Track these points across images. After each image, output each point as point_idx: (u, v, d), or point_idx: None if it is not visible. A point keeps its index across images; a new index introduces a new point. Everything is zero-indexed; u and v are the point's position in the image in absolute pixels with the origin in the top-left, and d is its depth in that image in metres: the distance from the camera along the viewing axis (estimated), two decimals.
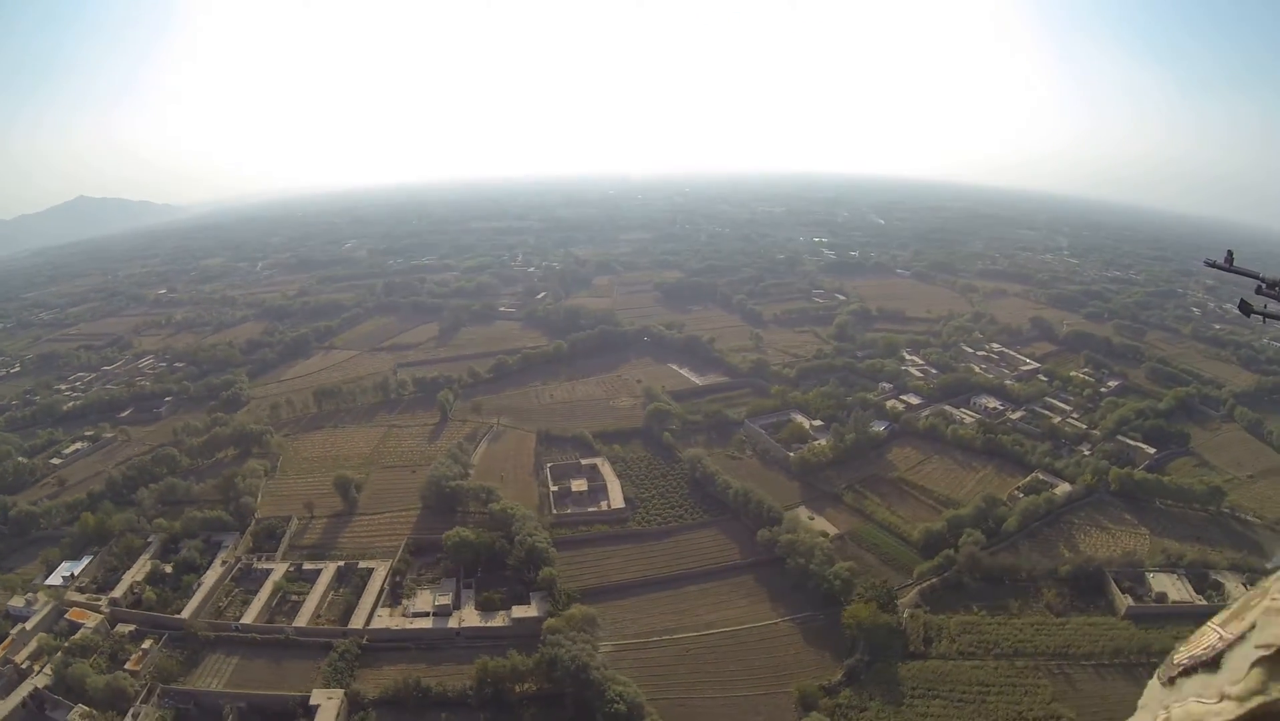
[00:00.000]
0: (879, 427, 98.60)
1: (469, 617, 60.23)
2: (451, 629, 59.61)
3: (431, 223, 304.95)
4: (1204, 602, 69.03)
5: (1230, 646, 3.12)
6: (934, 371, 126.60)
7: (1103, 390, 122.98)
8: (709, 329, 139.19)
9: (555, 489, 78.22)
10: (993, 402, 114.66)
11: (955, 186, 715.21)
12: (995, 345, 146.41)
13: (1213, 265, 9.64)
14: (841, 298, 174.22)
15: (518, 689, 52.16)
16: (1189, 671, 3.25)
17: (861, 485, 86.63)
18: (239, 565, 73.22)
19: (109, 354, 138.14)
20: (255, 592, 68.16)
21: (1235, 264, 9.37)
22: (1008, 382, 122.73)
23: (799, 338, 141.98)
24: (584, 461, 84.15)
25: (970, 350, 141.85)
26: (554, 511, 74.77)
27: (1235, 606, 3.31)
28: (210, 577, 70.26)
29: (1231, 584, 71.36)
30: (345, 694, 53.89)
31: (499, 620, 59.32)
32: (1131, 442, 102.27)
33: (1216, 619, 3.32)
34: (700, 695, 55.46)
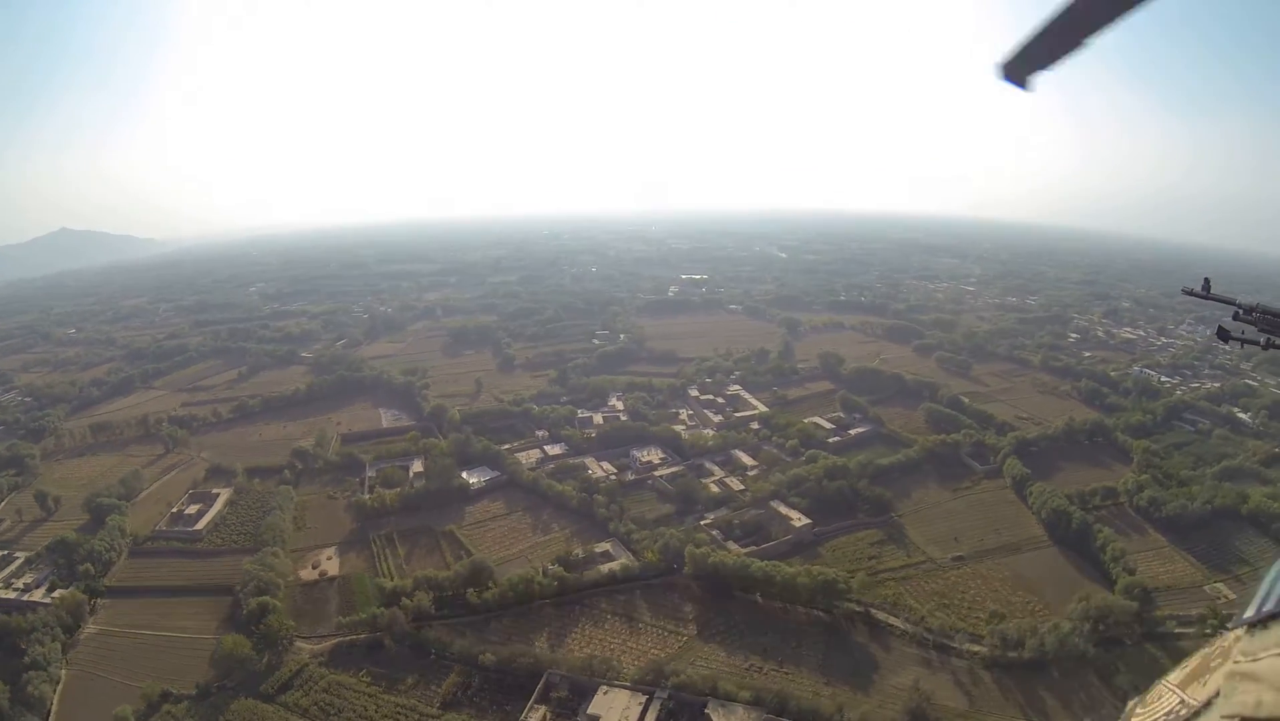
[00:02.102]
0: (478, 478, 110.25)
1: (35, 595, 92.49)
2: (26, 601, 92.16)
3: (345, 266, 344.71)
4: None
5: (1195, 714, 2.92)
6: (622, 418, 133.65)
7: (832, 440, 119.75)
8: (452, 374, 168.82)
9: (174, 511, 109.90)
10: (650, 455, 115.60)
11: (931, 219, 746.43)
12: (735, 387, 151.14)
13: (1190, 293, 9.65)
14: (624, 338, 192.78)
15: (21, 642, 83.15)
16: None
17: (403, 534, 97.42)
18: None
19: None
20: None
21: (1212, 291, 9.39)
22: (703, 431, 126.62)
23: (531, 381, 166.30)
24: (215, 490, 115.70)
25: (696, 394, 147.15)
26: (160, 528, 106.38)
27: (1192, 664, 3.07)
28: None
29: (730, 718, 61.93)
30: None
31: (47, 598, 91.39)
32: (782, 510, 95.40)
33: (1171, 677, 3.08)
34: (112, 676, 75.28)
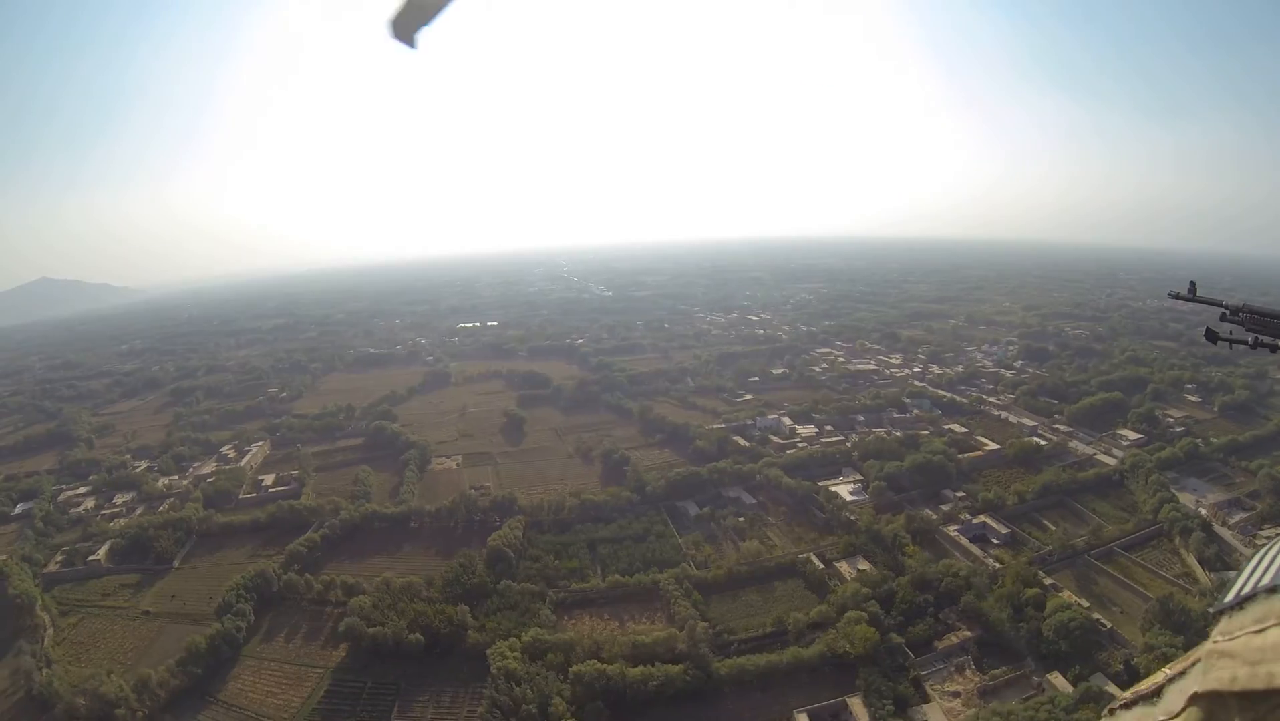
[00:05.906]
0: (23, 507, 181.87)
1: None
2: None
3: (225, 322, 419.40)
4: None
5: (1171, 680, 3.45)
6: (155, 467, 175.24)
7: (246, 496, 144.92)
8: (133, 427, 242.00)
9: None
10: (120, 498, 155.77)
11: (841, 240, 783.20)
12: (259, 445, 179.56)
13: (1177, 297, 10.14)
14: (284, 395, 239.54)
15: None
16: (1129, 705, 3.59)
17: None
18: None
19: None
20: None
21: (1199, 294, 9.84)
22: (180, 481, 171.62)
23: (171, 434, 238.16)
24: None
25: (224, 450, 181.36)
26: None
27: (1190, 652, 3.59)
28: None
29: None
30: None
31: None
32: (103, 547, 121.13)
33: (1170, 665, 3.66)
34: None
